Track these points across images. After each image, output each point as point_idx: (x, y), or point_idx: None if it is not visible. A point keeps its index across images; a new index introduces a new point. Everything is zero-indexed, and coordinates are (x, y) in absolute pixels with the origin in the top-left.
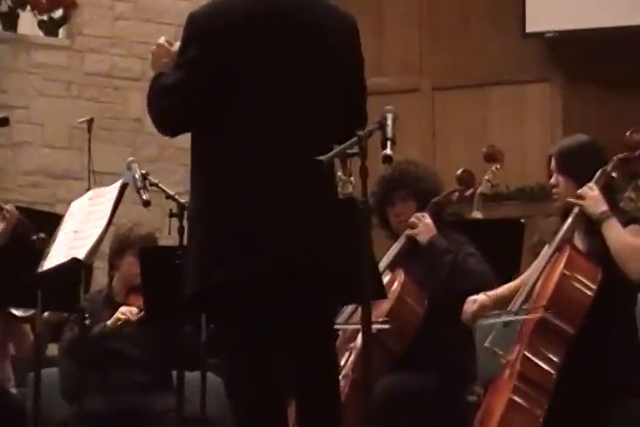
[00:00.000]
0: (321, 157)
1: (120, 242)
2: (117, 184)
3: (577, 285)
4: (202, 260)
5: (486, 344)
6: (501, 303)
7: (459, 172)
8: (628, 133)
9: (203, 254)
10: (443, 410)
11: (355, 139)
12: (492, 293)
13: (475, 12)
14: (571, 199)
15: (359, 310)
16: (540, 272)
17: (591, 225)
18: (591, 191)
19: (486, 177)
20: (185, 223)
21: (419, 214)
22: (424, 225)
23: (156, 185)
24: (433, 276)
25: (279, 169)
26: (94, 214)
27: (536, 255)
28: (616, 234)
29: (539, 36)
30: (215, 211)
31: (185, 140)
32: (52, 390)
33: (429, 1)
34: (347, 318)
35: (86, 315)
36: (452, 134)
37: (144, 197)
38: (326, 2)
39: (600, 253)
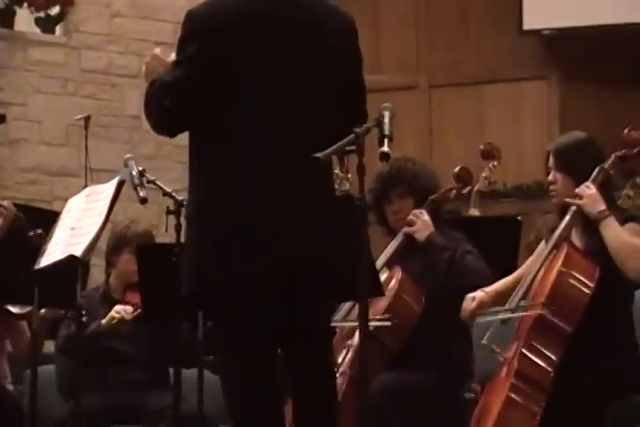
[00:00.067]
0: (318, 154)
1: (117, 239)
2: (114, 181)
3: (574, 282)
4: (200, 258)
5: (484, 341)
6: (499, 299)
7: (456, 169)
8: (625, 131)
9: (201, 253)
10: (440, 407)
11: (352, 136)
12: (489, 289)
13: (472, 10)
14: (568, 200)
15: (356, 307)
16: (538, 270)
17: (589, 223)
18: (588, 190)
19: (483, 174)
20: (182, 221)
21: (416, 211)
22: (422, 222)
23: (154, 182)
24: (430, 273)
25: (278, 168)
26: (91, 211)
27: (532, 252)
28: (614, 233)
29: (536, 33)
30: (214, 209)
31: (182, 137)
32: (48, 387)
33: None
34: (344, 316)
35: (83, 312)
36: (449, 132)
37: (141, 194)
38: (325, 1)
39: (598, 250)
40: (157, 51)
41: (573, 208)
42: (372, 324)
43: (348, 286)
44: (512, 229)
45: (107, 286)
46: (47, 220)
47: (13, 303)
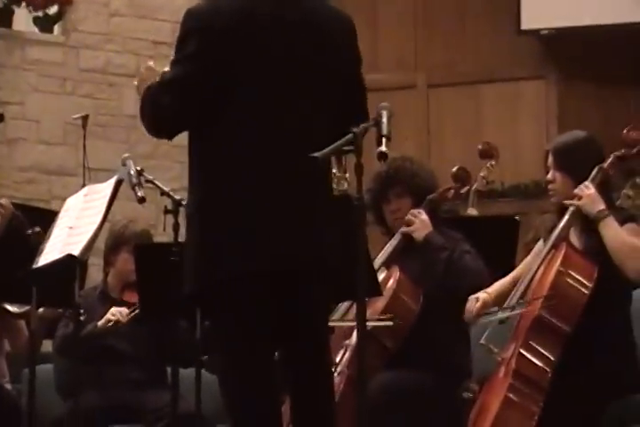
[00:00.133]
0: (316, 154)
1: (115, 238)
2: (112, 181)
3: (573, 282)
4: (200, 258)
5: (482, 341)
6: (501, 301)
7: (454, 169)
8: (624, 131)
9: (201, 253)
10: (438, 407)
11: (350, 136)
12: (491, 289)
13: (470, 9)
14: (567, 201)
15: (354, 306)
16: (536, 270)
17: (588, 223)
18: (587, 190)
19: (481, 174)
20: (180, 220)
21: (415, 211)
22: (420, 222)
23: (151, 182)
24: (428, 273)
25: (278, 168)
26: (89, 211)
27: (529, 252)
28: (613, 233)
29: (534, 33)
30: (213, 209)
31: (180, 136)
32: (46, 386)
33: None
34: (342, 315)
35: (81, 311)
36: (447, 131)
37: (139, 193)
38: (325, 2)
39: (596, 250)
40: (151, 63)
41: (572, 208)
42: (373, 324)
43: (347, 286)
44: (510, 229)
45: (105, 285)
46: (45, 219)
47: (11, 302)
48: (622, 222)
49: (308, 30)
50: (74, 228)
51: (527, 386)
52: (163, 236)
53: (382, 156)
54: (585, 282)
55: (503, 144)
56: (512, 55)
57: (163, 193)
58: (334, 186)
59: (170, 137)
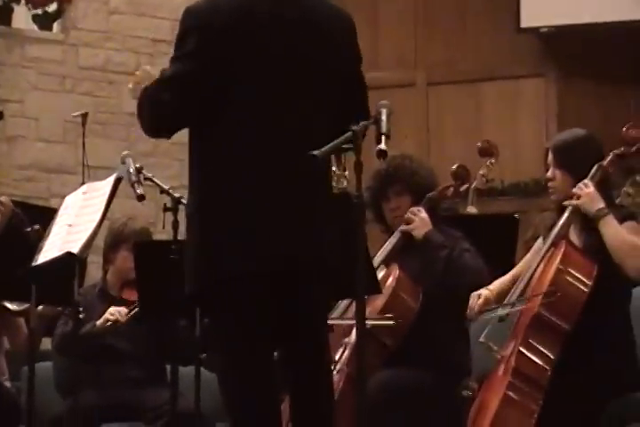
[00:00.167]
0: (315, 152)
1: (114, 236)
2: (112, 178)
3: (572, 280)
4: (200, 258)
5: (481, 339)
6: (503, 297)
7: (454, 167)
8: (624, 129)
9: (201, 252)
10: (437, 405)
11: (349, 134)
12: (492, 286)
13: (470, 8)
14: (567, 202)
15: (354, 304)
16: (536, 267)
17: (587, 221)
18: (586, 188)
19: (481, 172)
20: (180, 218)
21: (414, 209)
22: (420, 220)
23: (151, 179)
24: (428, 271)
25: (278, 168)
26: (88, 209)
27: (529, 250)
28: (613, 231)
29: (534, 31)
30: (213, 209)
31: (180, 134)
32: (46, 384)
33: None
34: (341, 313)
35: (80, 309)
36: (447, 129)
37: (138, 191)
38: (326, 1)
39: (596, 248)
40: (148, 67)
41: (571, 206)
42: (373, 322)
43: (346, 284)
44: (509, 227)
45: (104, 282)
46: (44, 217)
47: (11, 300)
48: (622, 220)
49: (307, 28)
50: (73, 225)
51: (527, 384)
52: (162, 233)
53: (382, 154)
54: (584, 280)
55: (503, 142)
56: (512, 53)
57: (162, 191)
58: (334, 184)
59: (169, 135)
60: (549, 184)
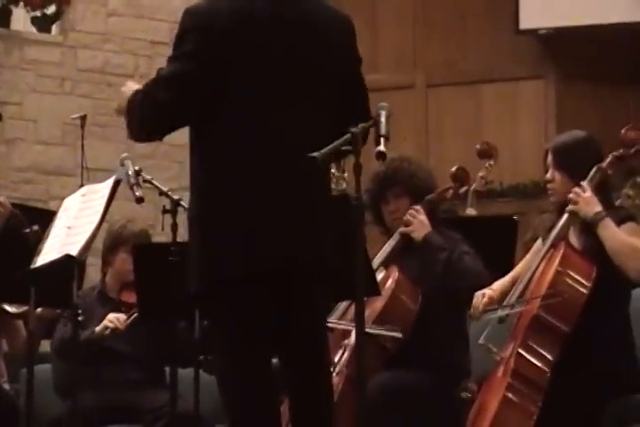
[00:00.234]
0: (314, 154)
1: (113, 238)
2: (110, 180)
3: (572, 282)
4: (201, 259)
5: (480, 341)
6: (505, 297)
7: (453, 169)
8: (623, 131)
9: (202, 253)
10: (437, 407)
11: (348, 136)
12: (495, 286)
13: (469, 9)
14: (567, 208)
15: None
16: (535, 269)
17: (586, 223)
18: (583, 193)
19: (480, 174)
20: (178, 220)
21: (413, 211)
22: (419, 222)
23: (150, 182)
24: (427, 273)
25: (278, 169)
26: (87, 211)
27: (528, 251)
28: (612, 234)
29: (532, 32)
30: (214, 210)
31: (179, 137)
32: (45, 386)
33: None
34: (340, 315)
35: (79, 311)
36: (446, 131)
37: (137, 193)
38: (324, 2)
39: (595, 250)
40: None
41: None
42: (380, 332)
43: (345, 286)
44: (509, 229)
45: (103, 285)
46: (43, 219)
47: (10, 302)
48: (621, 222)
49: (306, 30)
50: (72, 228)
51: (526, 386)
52: (161, 236)
53: (381, 155)
54: (583, 282)
55: (502, 144)
56: (511, 55)
57: (161, 193)
58: (333, 186)
59: (161, 136)
60: (548, 186)
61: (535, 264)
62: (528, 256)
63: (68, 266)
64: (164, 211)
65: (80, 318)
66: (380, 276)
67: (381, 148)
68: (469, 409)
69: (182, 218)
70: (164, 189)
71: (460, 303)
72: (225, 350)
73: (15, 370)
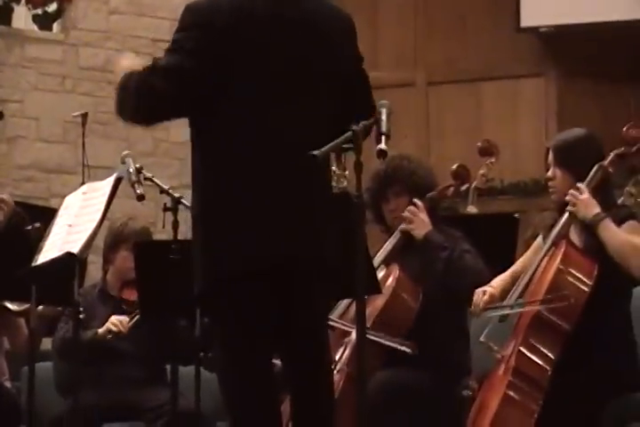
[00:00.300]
0: (315, 152)
1: (114, 236)
2: (112, 178)
3: (573, 280)
4: (204, 257)
5: (481, 339)
6: (506, 295)
7: (454, 167)
8: (624, 129)
9: (204, 252)
10: (437, 405)
11: (349, 134)
12: (495, 283)
13: (470, 7)
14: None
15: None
16: (536, 267)
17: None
18: (580, 195)
19: (481, 171)
20: (179, 217)
21: (412, 208)
22: (420, 220)
23: (151, 179)
24: (428, 271)
25: (278, 167)
26: (88, 208)
27: (528, 248)
28: (612, 234)
29: (533, 30)
30: (215, 208)
31: (180, 134)
32: (46, 384)
33: None
34: (341, 313)
35: (81, 309)
36: (447, 129)
37: (138, 191)
38: (326, 1)
39: (596, 248)
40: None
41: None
42: (391, 344)
43: (346, 284)
44: (509, 227)
45: (104, 282)
46: (44, 217)
47: (11, 300)
48: (621, 221)
49: (306, 28)
50: (73, 226)
51: (527, 384)
52: (162, 233)
53: (382, 153)
54: (585, 280)
55: (503, 141)
56: (512, 52)
57: (162, 191)
58: (334, 184)
59: (158, 122)
60: (550, 184)
61: (536, 262)
62: (528, 252)
63: (69, 264)
64: (165, 209)
65: (81, 316)
66: (380, 274)
67: (382, 146)
68: (470, 407)
69: (183, 216)
70: (165, 186)
71: (461, 301)
72: (225, 347)
73: (16, 368)
